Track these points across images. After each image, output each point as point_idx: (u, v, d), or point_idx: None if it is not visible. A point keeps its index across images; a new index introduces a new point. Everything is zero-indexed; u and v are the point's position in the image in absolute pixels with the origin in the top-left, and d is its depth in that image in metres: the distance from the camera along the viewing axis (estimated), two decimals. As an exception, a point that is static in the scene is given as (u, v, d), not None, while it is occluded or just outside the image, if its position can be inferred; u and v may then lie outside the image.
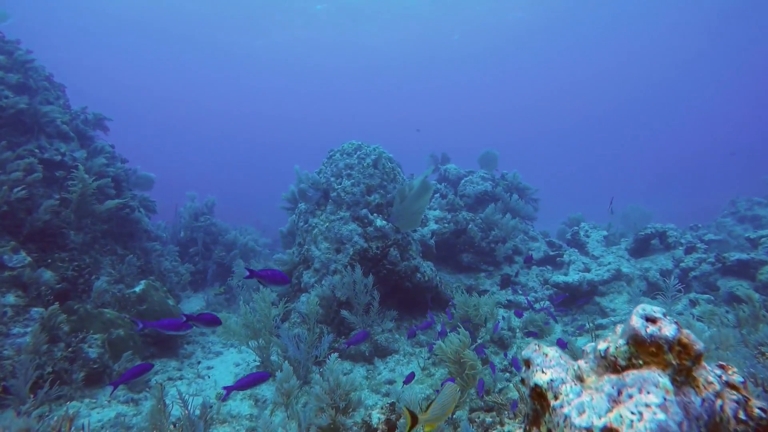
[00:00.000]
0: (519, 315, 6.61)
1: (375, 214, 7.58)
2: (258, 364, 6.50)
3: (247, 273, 4.24)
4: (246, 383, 4.80)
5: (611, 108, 60.58)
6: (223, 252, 11.52)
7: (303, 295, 7.50)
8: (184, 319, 4.27)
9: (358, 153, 7.93)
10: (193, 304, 10.44)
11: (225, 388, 4.61)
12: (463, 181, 10.86)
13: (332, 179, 7.83)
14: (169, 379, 6.62)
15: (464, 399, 4.38)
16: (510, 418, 3.92)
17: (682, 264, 8.10)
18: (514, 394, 4.92)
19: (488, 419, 4.04)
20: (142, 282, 7.39)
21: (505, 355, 6.70)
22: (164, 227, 11.50)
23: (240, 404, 5.86)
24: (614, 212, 8.72)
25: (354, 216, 7.54)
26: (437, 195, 10.57)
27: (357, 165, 7.81)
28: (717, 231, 10.92)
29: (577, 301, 7.18)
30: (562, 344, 6.53)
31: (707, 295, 7.68)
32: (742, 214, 12.82)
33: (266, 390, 6.19)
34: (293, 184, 8.39)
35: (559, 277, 8.11)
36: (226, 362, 7.41)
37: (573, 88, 56.17)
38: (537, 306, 8.25)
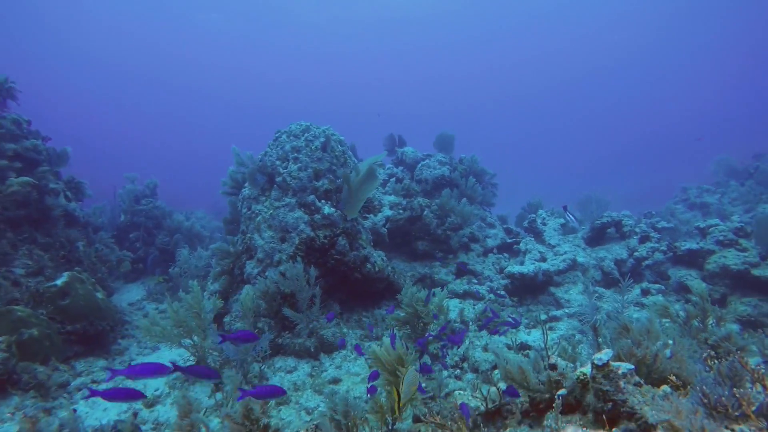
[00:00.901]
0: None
1: (323, 201, 7.12)
2: (193, 363, 6.00)
3: (220, 339, 4.75)
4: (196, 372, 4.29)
5: (573, 85, 61.12)
6: (166, 237, 10.80)
7: (245, 287, 7.01)
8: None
9: (306, 135, 7.40)
10: (133, 294, 9.75)
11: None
12: (420, 165, 10.50)
13: (278, 163, 7.29)
14: (93, 382, 6.04)
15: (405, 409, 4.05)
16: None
17: (636, 253, 8.05)
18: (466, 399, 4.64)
19: None
20: (65, 274, 6.70)
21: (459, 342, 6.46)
22: (102, 211, 10.64)
23: (170, 410, 5.38)
24: (568, 207, 8.59)
25: (300, 203, 7.06)
26: (393, 179, 10.18)
27: (304, 148, 7.28)
28: (669, 218, 11.05)
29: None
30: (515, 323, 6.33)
31: (658, 285, 7.66)
32: (692, 201, 13.09)
33: (202, 392, 5.73)
34: (232, 167, 7.78)
35: (514, 267, 7.92)
36: (162, 359, 6.85)
37: (532, 64, 56.35)
38: (492, 296, 8.05)
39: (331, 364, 6.28)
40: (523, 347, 6.30)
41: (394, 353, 3.86)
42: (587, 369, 2.99)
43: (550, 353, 4.77)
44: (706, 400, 2.40)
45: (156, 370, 3.64)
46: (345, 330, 6.89)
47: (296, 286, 6.46)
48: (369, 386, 4.07)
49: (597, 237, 8.88)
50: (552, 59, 55.15)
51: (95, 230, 9.86)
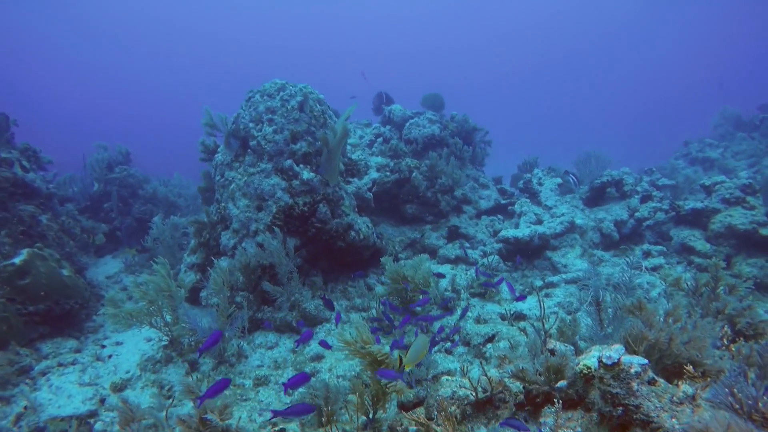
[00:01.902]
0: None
1: (301, 166, 6.56)
2: (165, 343, 5.60)
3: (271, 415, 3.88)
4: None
5: (570, 46, 59.30)
6: (143, 206, 10.25)
7: (220, 260, 6.55)
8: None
9: (282, 94, 6.74)
10: (111, 267, 9.29)
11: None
12: (408, 123, 9.85)
13: (251, 125, 6.67)
14: (60, 365, 5.66)
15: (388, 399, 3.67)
16: None
17: (637, 214, 7.60)
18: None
19: None
20: (24, 251, 6.20)
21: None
22: (71, 181, 10.01)
23: (140, 395, 5.01)
24: (569, 170, 8.04)
25: (277, 168, 6.49)
26: (380, 140, 9.57)
27: (280, 108, 6.64)
28: (670, 174, 10.55)
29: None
30: (518, 296, 5.94)
31: (660, 246, 7.25)
32: (694, 155, 12.55)
33: (176, 374, 5.36)
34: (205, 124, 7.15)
35: (509, 231, 7.47)
36: (137, 337, 6.46)
37: (532, 26, 54.42)
38: (485, 261, 7.65)
39: (314, 339, 5.91)
40: (518, 317, 5.93)
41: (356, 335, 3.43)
42: (591, 360, 2.56)
43: (547, 326, 4.38)
44: (737, 405, 1.97)
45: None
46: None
47: (275, 257, 6.01)
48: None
49: (596, 197, 8.41)
50: (549, 18, 53.06)
51: (63, 202, 9.28)
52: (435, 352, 5.45)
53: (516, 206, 8.62)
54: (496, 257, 7.66)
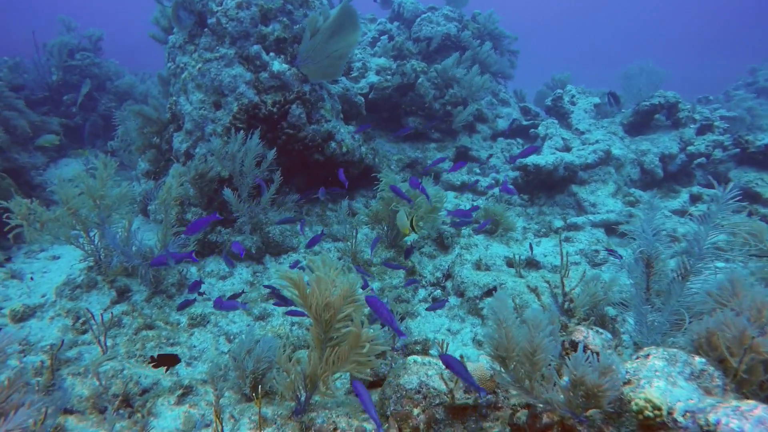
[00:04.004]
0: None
1: (272, 54, 5.13)
2: (90, 264, 4.58)
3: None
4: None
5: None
6: (113, 102, 8.94)
7: (172, 167, 5.37)
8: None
9: (251, -46, 5.14)
10: (71, 168, 8.18)
11: None
12: (419, 19, 8.11)
13: (211, -5, 5.15)
14: (-30, 280, 4.71)
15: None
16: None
17: (690, 147, 6.13)
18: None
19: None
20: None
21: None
22: (18, 67, 8.63)
23: (47, 327, 4.06)
24: (614, 99, 6.41)
25: (241, 55, 5.08)
26: (384, 37, 7.93)
27: (248, -26, 5.08)
28: (728, 106, 8.83)
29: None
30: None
31: (713, 190, 5.87)
32: (762, 85, 10.59)
33: (98, 302, 4.38)
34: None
35: (528, 157, 6.11)
36: (78, 251, 5.48)
37: None
38: (497, 191, 6.38)
39: (276, 271, 4.85)
40: (529, 264, 4.76)
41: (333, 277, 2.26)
42: (657, 393, 1.37)
43: (566, 290, 3.21)
44: None
45: None
46: (298, 227, 5.36)
47: (234, 167, 4.80)
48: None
49: (641, 123, 6.86)
50: None
51: (14, 89, 8.00)
52: (419, 301, 4.37)
53: (540, 128, 7.15)
54: (511, 174, 6.37)
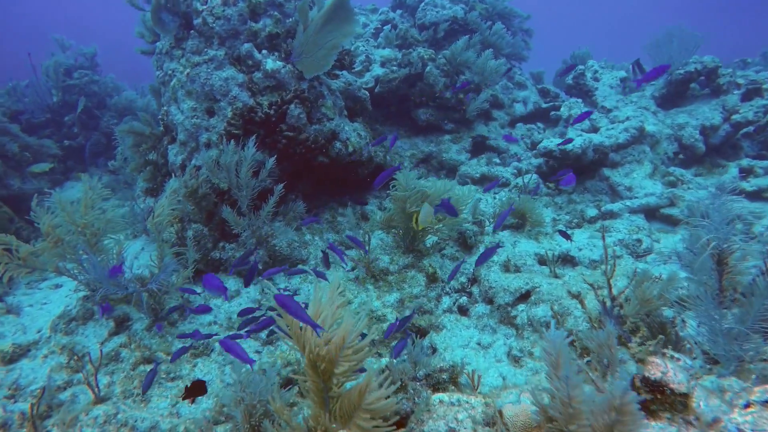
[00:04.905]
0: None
1: (264, 52, 4.73)
2: (86, 294, 4.25)
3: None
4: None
5: None
6: (114, 119, 8.70)
7: (172, 180, 5.03)
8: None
9: (234, -54, 4.74)
10: (75, 192, 7.97)
11: None
12: (422, 5, 7.61)
13: (195, -6, 4.78)
14: (-38, 318, 4.44)
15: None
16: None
17: (735, 116, 5.51)
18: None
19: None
20: None
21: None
22: (14, 91, 8.45)
23: (39, 368, 3.73)
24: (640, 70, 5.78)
25: (231, 56, 4.70)
26: (387, 27, 7.46)
27: (232, -33, 4.69)
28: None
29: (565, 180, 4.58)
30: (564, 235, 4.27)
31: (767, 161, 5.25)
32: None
33: (94, 335, 4.05)
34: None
35: (552, 141, 5.58)
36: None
37: None
38: (520, 181, 5.87)
39: (286, 288, 4.46)
40: (564, 260, 4.26)
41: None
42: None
43: (614, 292, 2.72)
44: None
45: None
46: (308, 237, 4.96)
47: (232, 178, 4.42)
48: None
49: (676, 94, 6.22)
50: None
51: (14, 115, 7.81)
52: (444, 312, 3.91)
53: (562, 109, 6.59)
54: (535, 176, 5.85)
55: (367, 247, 4.31)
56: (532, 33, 8.46)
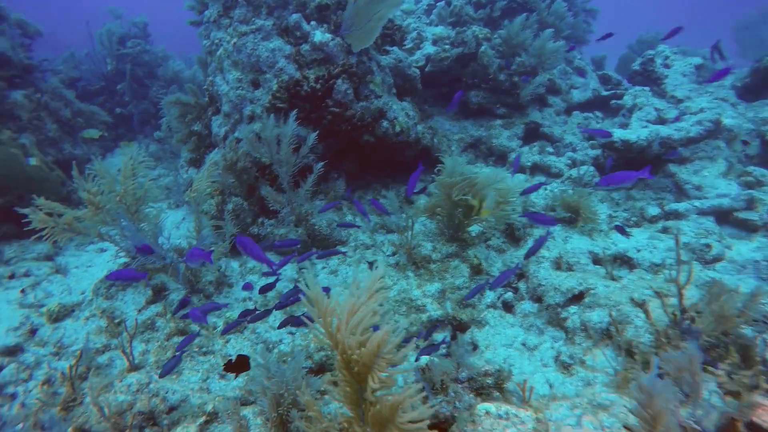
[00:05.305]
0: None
1: (313, 23, 4.54)
2: (126, 261, 4.28)
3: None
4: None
5: None
6: (162, 89, 8.79)
7: (214, 152, 4.98)
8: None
9: None
10: (119, 158, 8.13)
11: None
12: (481, -21, 7.20)
13: (246, -39, 4.62)
14: (11, 277, 4.57)
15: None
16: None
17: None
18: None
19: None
20: (-24, 132, 4.96)
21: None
22: (71, 59, 8.64)
23: (81, 328, 3.78)
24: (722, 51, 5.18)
25: (279, 26, 4.54)
26: (441, 3, 7.11)
27: (286, -68, 4.50)
28: None
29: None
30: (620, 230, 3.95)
31: None
32: None
33: (132, 302, 4.06)
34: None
35: (615, 132, 5.16)
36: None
37: None
38: (575, 172, 5.50)
39: (324, 268, 4.35)
40: (621, 260, 3.93)
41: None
42: None
43: (684, 303, 2.44)
44: None
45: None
46: (349, 218, 4.81)
47: (273, 153, 4.29)
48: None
49: (762, 85, 5.59)
50: None
51: (72, 83, 8.00)
52: (487, 306, 3.68)
53: (626, 98, 6.10)
54: (591, 168, 5.46)
55: (410, 233, 4.11)
56: (596, 13, 7.88)
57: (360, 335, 1.56)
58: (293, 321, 3.01)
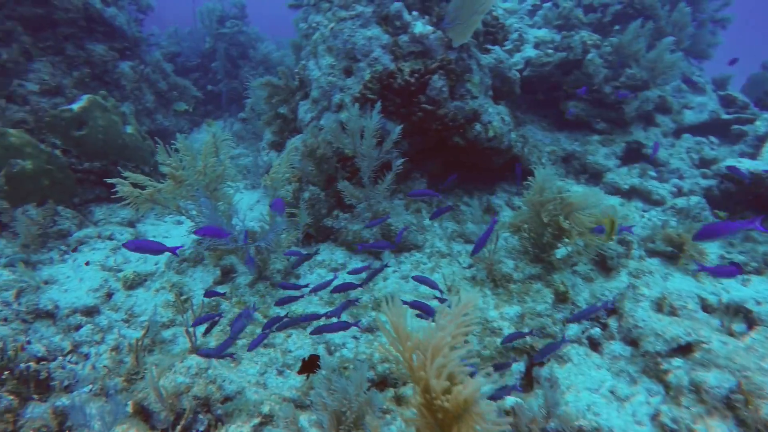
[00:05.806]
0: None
1: (416, 14, 4.31)
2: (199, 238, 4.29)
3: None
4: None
5: None
6: (253, 71, 8.97)
7: (296, 138, 4.90)
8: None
9: None
10: (204, 134, 8.36)
11: None
12: (595, -20, 6.63)
13: (353, -55, 4.48)
14: (98, 237, 4.74)
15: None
16: None
17: None
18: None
19: None
20: (84, 97, 5.21)
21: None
22: (174, 36, 9.02)
23: (151, 299, 3.82)
24: None
25: (380, 14, 4.35)
26: (548, 4, 6.63)
27: None
28: None
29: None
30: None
31: None
32: None
33: (202, 281, 4.07)
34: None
35: (739, 162, 4.51)
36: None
37: None
38: (682, 202, 4.90)
39: (396, 270, 4.13)
40: (735, 311, 3.38)
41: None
42: None
43: None
44: None
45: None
46: (426, 222, 4.55)
47: (357, 145, 4.13)
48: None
49: None
50: None
51: (172, 57, 8.35)
52: (570, 341, 3.30)
53: (759, 123, 5.36)
54: (700, 200, 4.83)
55: (493, 245, 3.79)
56: (727, 23, 7.01)
57: (445, 379, 1.31)
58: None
